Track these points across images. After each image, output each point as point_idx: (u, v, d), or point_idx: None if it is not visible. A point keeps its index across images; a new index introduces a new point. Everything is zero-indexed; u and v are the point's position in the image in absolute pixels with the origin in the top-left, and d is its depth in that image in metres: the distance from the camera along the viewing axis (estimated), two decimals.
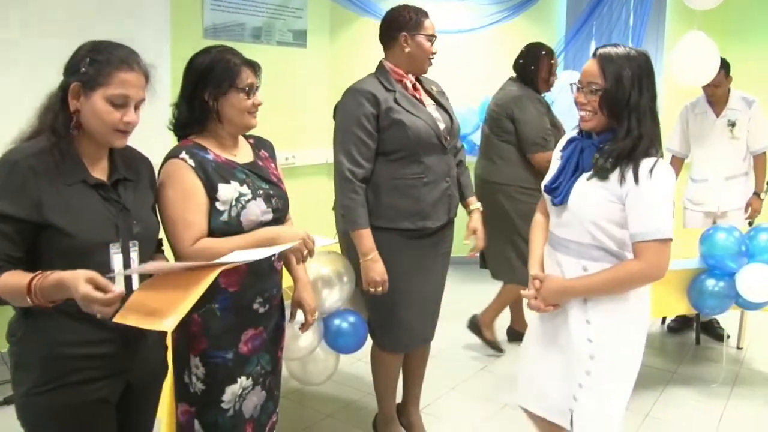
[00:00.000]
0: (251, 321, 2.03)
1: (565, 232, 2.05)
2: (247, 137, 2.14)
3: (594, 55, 1.98)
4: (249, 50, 2.07)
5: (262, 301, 2.05)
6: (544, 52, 3.84)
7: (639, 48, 2.00)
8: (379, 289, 2.59)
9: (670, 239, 1.88)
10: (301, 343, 2.62)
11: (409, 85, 2.69)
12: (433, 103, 2.77)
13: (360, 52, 5.17)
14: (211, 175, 1.90)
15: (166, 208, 1.90)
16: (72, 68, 1.60)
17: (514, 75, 3.93)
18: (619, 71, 1.90)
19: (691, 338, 4.33)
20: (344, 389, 3.50)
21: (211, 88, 1.93)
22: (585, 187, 1.97)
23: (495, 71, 5.63)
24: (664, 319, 4.58)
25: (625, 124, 1.90)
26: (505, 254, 3.83)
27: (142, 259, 1.68)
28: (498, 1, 5.79)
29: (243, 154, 2.06)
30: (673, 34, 5.89)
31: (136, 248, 1.66)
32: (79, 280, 1.40)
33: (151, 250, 1.79)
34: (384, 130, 2.58)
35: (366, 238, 2.57)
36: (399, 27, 2.64)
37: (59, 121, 1.59)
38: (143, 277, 1.67)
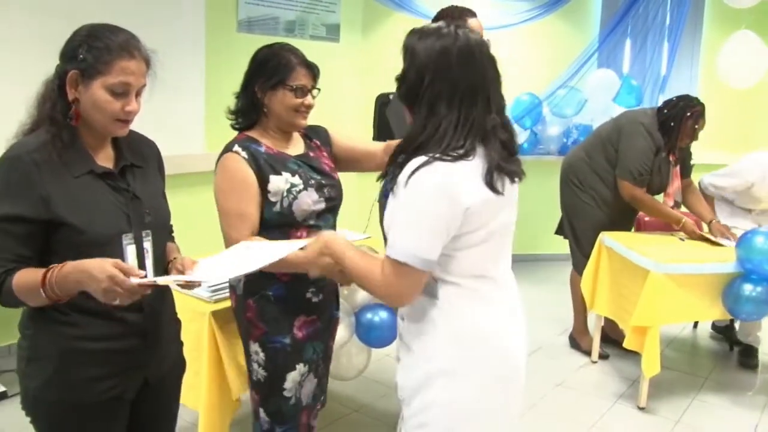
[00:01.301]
0: (304, 309, 2.04)
1: None
2: None
3: None
4: None
5: (316, 291, 2.06)
6: (689, 114, 3.62)
7: (466, 29, 1.55)
8: None
9: (409, 266, 1.43)
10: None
11: None
12: None
13: (393, 47, 5.08)
14: (262, 167, 1.94)
15: (220, 200, 1.95)
16: (69, 55, 1.51)
17: (657, 109, 3.77)
18: (416, 51, 1.53)
19: (725, 344, 4.25)
20: (373, 385, 3.49)
21: (263, 80, 1.97)
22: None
23: (524, 69, 5.62)
24: (695, 323, 4.51)
25: (416, 118, 1.53)
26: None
27: (156, 249, 1.63)
28: None
29: (295, 146, 2.09)
30: (711, 35, 5.81)
31: (150, 238, 1.60)
32: (105, 263, 1.38)
33: (165, 239, 1.74)
34: None
35: None
36: None
37: (58, 110, 1.50)
38: (158, 270, 1.64)
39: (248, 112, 2.03)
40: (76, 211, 1.47)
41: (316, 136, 2.18)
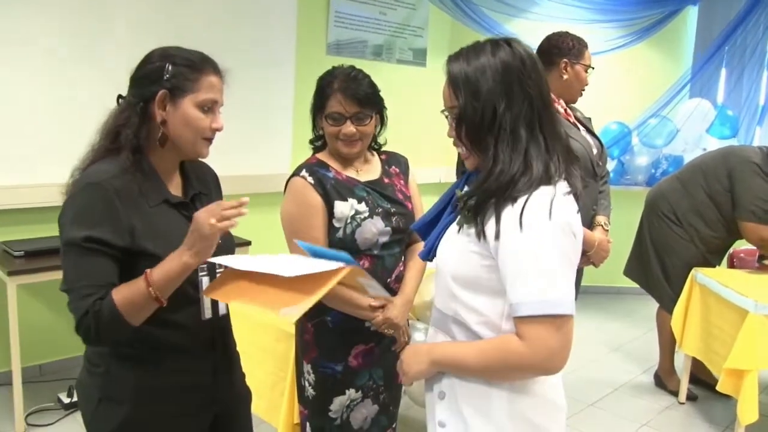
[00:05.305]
0: (362, 337, 2.02)
1: (437, 297, 1.46)
2: (380, 153, 2.14)
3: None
4: (369, 67, 2.07)
5: None
6: None
7: (511, 39, 1.37)
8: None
9: (568, 315, 1.22)
10: None
11: (561, 110, 2.65)
12: (585, 129, 2.73)
13: None
14: (329, 192, 1.93)
15: (286, 224, 1.96)
16: (152, 76, 1.47)
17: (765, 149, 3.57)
18: (472, 78, 1.31)
19: None
20: None
21: (315, 108, 2.00)
22: (452, 235, 1.39)
23: (614, 97, 5.49)
24: None
25: (491, 153, 1.30)
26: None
27: None
28: (622, 25, 5.61)
29: (369, 171, 2.06)
30: None
31: (222, 269, 1.54)
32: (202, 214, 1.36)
33: None
34: None
35: (587, 233, 2.58)
36: (561, 53, 2.65)
37: (140, 136, 1.45)
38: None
39: (319, 137, 2.07)
40: (156, 241, 1.43)
41: (396, 163, 2.14)
